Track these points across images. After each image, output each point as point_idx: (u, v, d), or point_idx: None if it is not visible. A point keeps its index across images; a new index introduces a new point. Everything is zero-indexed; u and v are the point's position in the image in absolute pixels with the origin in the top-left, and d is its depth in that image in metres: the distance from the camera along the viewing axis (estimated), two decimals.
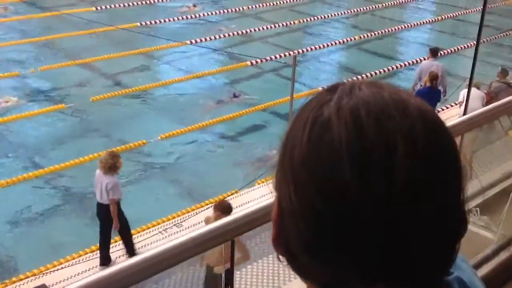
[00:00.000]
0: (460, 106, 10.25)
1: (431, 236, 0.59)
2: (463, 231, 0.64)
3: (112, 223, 7.19)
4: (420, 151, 0.59)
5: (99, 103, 11.95)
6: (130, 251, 7.40)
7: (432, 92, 9.61)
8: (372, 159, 0.58)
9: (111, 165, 7.07)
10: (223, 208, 5.93)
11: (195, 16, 18.36)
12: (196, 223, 7.95)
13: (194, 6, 19.05)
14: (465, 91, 10.33)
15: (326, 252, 0.61)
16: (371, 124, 0.60)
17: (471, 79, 5.58)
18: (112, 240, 7.56)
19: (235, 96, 12.70)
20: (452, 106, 11.70)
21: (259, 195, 8.45)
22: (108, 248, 7.40)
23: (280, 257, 0.69)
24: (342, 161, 0.59)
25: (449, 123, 2.83)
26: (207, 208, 8.36)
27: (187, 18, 17.84)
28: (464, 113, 6.01)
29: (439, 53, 11.73)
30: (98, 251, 7.43)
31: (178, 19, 17.64)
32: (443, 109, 11.66)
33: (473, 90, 10.24)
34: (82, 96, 12.17)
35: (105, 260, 7.32)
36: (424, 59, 15.35)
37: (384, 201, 0.58)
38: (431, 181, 0.59)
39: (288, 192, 0.63)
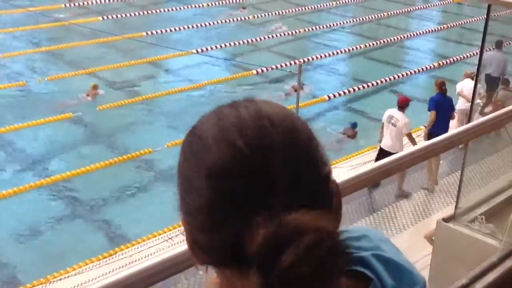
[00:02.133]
0: (459, 97, 10.60)
1: (283, 189, 0.71)
2: (325, 182, 0.76)
3: None
4: (264, 121, 0.75)
5: (106, 112, 12.02)
6: None
7: (445, 100, 9.49)
8: (228, 135, 0.74)
9: None
10: None
11: (244, 18, 18.89)
12: None
13: (244, 8, 19.88)
14: (462, 82, 10.83)
15: (219, 220, 0.72)
16: (228, 117, 0.76)
17: (475, 86, 5.59)
18: (112, 251, 7.56)
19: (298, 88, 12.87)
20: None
21: None
22: None
23: (198, 266, 0.80)
24: (209, 144, 0.74)
25: (453, 131, 2.84)
26: None
27: (193, 27, 17.93)
28: (471, 111, 6.04)
29: (503, 45, 12.30)
30: (106, 260, 7.45)
31: (184, 28, 17.72)
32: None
33: (469, 81, 10.59)
34: (89, 105, 12.24)
35: None
36: (430, 67, 15.48)
37: (245, 160, 0.72)
38: (279, 145, 0.73)
39: (182, 198, 0.79)
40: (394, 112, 9.06)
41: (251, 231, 0.67)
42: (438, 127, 8.85)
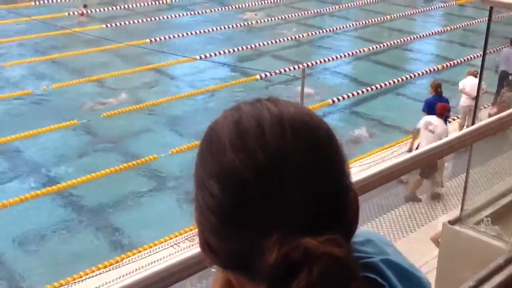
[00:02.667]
0: (462, 94, 11.09)
1: (305, 187, 0.70)
2: (342, 197, 0.74)
3: None
4: (286, 126, 0.71)
5: (111, 118, 12.06)
6: None
7: (440, 101, 9.61)
8: (248, 138, 0.71)
9: None
10: None
11: (247, 24, 19.08)
12: None
13: (256, 14, 20.28)
14: (464, 80, 11.18)
15: (230, 229, 0.71)
16: (248, 118, 0.73)
17: (478, 88, 5.58)
18: (118, 258, 7.58)
19: None
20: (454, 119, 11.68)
21: None
22: None
23: (208, 264, 0.79)
24: (225, 147, 0.72)
25: (458, 133, 2.84)
26: None
27: (196, 33, 17.98)
28: (475, 113, 6.03)
29: None
30: (113, 266, 7.46)
31: (187, 34, 17.78)
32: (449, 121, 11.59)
33: (471, 78, 10.94)
34: (94, 112, 12.29)
35: None
36: (434, 69, 15.47)
37: (263, 166, 0.69)
38: (297, 148, 0.70)
39: (196, 195, 0.77)
40: (432, 118, 9.11)
41: (262, 248, 0.67)
42: None
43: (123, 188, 9.62)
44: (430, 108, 9.52)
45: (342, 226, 0.72)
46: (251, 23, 19.43)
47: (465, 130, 2.97)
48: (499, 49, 12.73)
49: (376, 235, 0.88)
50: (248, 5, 21.93)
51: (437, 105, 9.42)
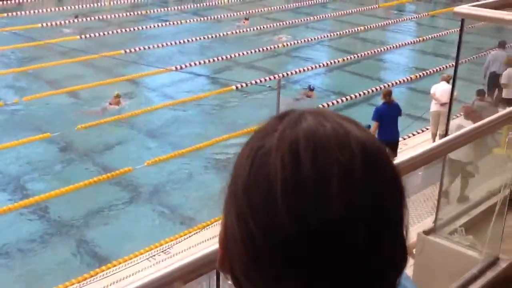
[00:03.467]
0: (432, 99, 11.19)
1: (363, 261, 0.61)
2: (400, 262, 0.65)
3: None
4: (357, 184, 0.60)
5: (85, 130, 11.92)
6: None
7: (390, 108, 9.77)
8: (305, 192, 0.60)
9: None
10: None
11: (222, 35, 19.02)
12: (185, 249, 7.90)
13: (247, 19, 20.47)
14: (436, 85, 11.35)
15: (262, 279, 0.63)
16: (307, 157, 0.61)
17: (451, 100, 5.64)
18: (92, 272, 7.45)
19: (310, 89, 14.11)
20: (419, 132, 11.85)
21: None
22: None
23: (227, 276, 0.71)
24: (277, 194, 0.60)
25: (432, 144, 2.87)
26: (195, 234, 8.33)
27: (171, 44, 17.93)
28: (449, 116, 6.08)
29: (505, 45, 13.11)
30: (87, 281, 7.34)
31: (162, 45, 17.72)
32: (413, 134, 11.75)
33: (443, 84, 11.11)
34: (67, 124, 12.13)
35: None
36: (407, 79, 15.69)
37: (316, 233, 0.59)
38: (366, 212, 0.60)
39: (231, 218, 0.65)
40: (462, 121, 8.85)
41: None
42: (384, 135, 9.15)
43: (98, 201, 9.50)
44: (378, 115, 9.62)
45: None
46: (227, 33, 19.46)
47: (438, 142, 3.00)
48: (472, 59, 13.03)
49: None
50: (224, 16, 21.98)
51: (465, 107, 9.32)
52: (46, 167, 10.61)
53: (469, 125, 8.95)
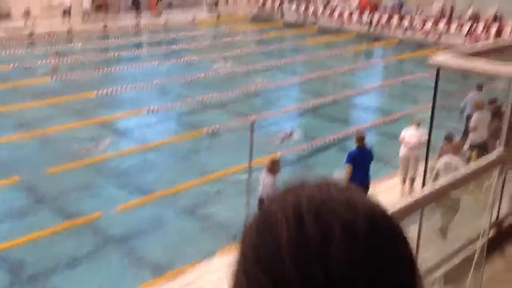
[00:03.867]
0: (402, 143, 11.13)
1: None
2: None
3: None
4: (359, 241, 0.61)
5: (54, 175, 11.65)
6: None
7: (363, 152, 9.84)
8: (309, 251, 0.61)
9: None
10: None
11: (201, 76, 18.63)
12: None
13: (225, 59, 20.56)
14: (406, 129, 11.29)
15: None
16: (310, 217, 0.62)
17: (428, 142, 5.73)
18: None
19: (291, 134, 14.35)
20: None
21: (218, 266, 8.25)
22: None
23: None
24: (283, 256, 0.62)
25: (410, 198, 2.86)
26: (167, 282, 8.13)
27: (143, 86, 17.91)
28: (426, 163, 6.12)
29: (482, 88, 13.71)
30: None
31: (135, 87, 17.68)
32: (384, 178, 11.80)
33: (413, 128, 11.13)
34: (36, 168, 11.86)
35: None
36: (377, 123, 15.91)
37: None
38: (369, 270, 0.60)
39: (241, 277, 0.66)
40: (451, 158, 8.76)
41: None
42: (357, 179, 9.18)
43: (66, 249, 9.20)
44: (351, 158, 9.68)
45: None
46: (200, 76, 19.55)
47: (416, 196, 2.99)
48: (442, 104, 13.28)
49: None
50: (197, 58, 22.13)
51: (453, 144, 9.36)
52: (11, 213, 10.28)
53: (458, 162, 8.84)
